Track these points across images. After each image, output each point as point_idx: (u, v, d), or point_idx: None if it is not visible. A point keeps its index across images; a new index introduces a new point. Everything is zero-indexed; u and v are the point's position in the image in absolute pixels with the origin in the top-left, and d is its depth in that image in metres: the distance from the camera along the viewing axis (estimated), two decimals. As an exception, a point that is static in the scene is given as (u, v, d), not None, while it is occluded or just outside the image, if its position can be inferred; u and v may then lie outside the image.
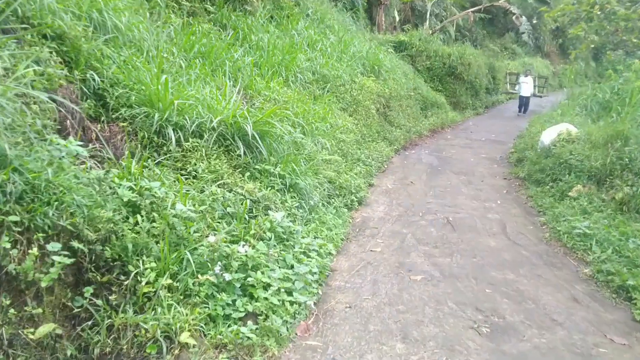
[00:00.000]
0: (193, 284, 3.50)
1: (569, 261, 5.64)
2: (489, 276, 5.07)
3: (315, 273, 4.44)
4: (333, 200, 6.88)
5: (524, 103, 20.77)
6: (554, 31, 36.97)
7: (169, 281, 3.44)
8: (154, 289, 3.41)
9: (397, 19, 22.90)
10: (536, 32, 35.15)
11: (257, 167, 5.47)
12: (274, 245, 4.43)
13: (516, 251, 5.87)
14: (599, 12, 9.71)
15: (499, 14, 32.49)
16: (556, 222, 6.72)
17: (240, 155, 5.39)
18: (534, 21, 26.29)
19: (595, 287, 4.97)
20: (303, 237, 4.95)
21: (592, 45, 11.41)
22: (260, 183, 5.33)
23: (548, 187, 8.20)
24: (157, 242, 3.70)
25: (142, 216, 3.82)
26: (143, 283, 3.35)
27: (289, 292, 3.94)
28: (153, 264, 3.50)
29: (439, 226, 6.68)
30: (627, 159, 7.33)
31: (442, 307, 4.30)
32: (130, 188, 4.04)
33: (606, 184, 7.34)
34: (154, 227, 3.80)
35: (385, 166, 10.25)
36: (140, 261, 3.49)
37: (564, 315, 4.28)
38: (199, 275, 3.51)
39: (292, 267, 4.31)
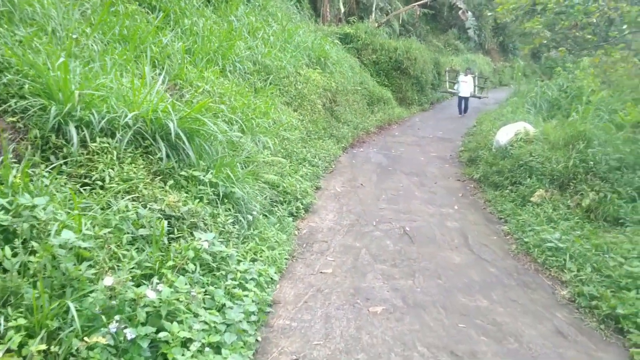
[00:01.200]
0: (77, 350, 2.49)
1: (542, 280, 5.00)
2: (459, 304, 4.32)
3: (252, 313, 3.53)
4: (276, 208, 5.99)
5: (463, 104, 19.10)
6: (494, 29, 37.52)
7: (43, 346, 2.44)
8: (22, 358, 2.41)
9: (342, 10, 22.14)
10: (478, 28, 35.46)
11: (183, 173, 4.48)
12: (199, 279, 3.48)
13: (483, 268, 5.19)
14: (554, 5, 9.32)
15: (443, 9, 32.59)
16: (522, 232, 6.12)
17: (161, 159, 4.39)
18: (489, 13, 25.60)
19: (579, 314, 4.32)
20: (239, 263, 4.02)
21: (544, 41, 11.14)
22: (187, 194, 4.34)
23: (507, 190, 7.64)
24: (33, 285, 2.69)
25: (14, 247, 2.79)
26: (2, 352, 2.34)
27: (217, 349, 3.00)
28: (22, 320, 2.49)
29: (395, 238, 5.92)
30: (591, 162, 6.84)
31: (410, 352, 3.49)
32: (3, 207, 3.00)
33: (570, 188, 6.82)
34: (31, 262, 2.78)
35: (333, 166, 9.43)
36: (2, 317, 2.47)
37: (553, 357, 3.58)
38: (86, 338, 2.51)
39: (223, 307, 3.38)
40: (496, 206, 7.36)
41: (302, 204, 6.44)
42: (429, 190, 8.41)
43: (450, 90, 20.62)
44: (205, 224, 4.03)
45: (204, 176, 4.50)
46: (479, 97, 20.78)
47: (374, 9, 22.98)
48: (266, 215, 5.53)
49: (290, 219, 5.99)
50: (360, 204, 7.21)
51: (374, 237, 5.88)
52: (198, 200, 4.29)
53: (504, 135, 8.83)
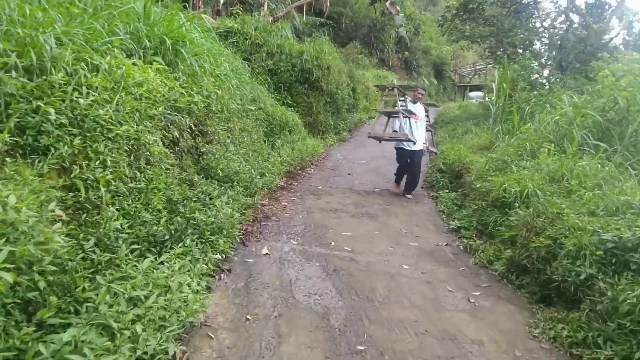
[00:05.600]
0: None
1: None
2: None
3: None
4: None
5: (413, 166, 7.99)
6: (396, 44, 33.14)
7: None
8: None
9: (222, 0, 15.50)
10: (381, 43, 30.76)
11: None
12: None
13: None
14: None
15: (340, 20, 27.42)
16: None
17: None
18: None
19: None
20: None
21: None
22: None
23: None
24: None
25: None
26: None
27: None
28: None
29: None
30: None
31: None
32: None
33: None
34: None
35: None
36: None
37: None
38: None
39: None
40: None
41: None
42: None
43: (403, 135, 7.63)
44: None
45: None
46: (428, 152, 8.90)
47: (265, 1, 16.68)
48: None
49: None
50: None
51: None
52: None
53: None
